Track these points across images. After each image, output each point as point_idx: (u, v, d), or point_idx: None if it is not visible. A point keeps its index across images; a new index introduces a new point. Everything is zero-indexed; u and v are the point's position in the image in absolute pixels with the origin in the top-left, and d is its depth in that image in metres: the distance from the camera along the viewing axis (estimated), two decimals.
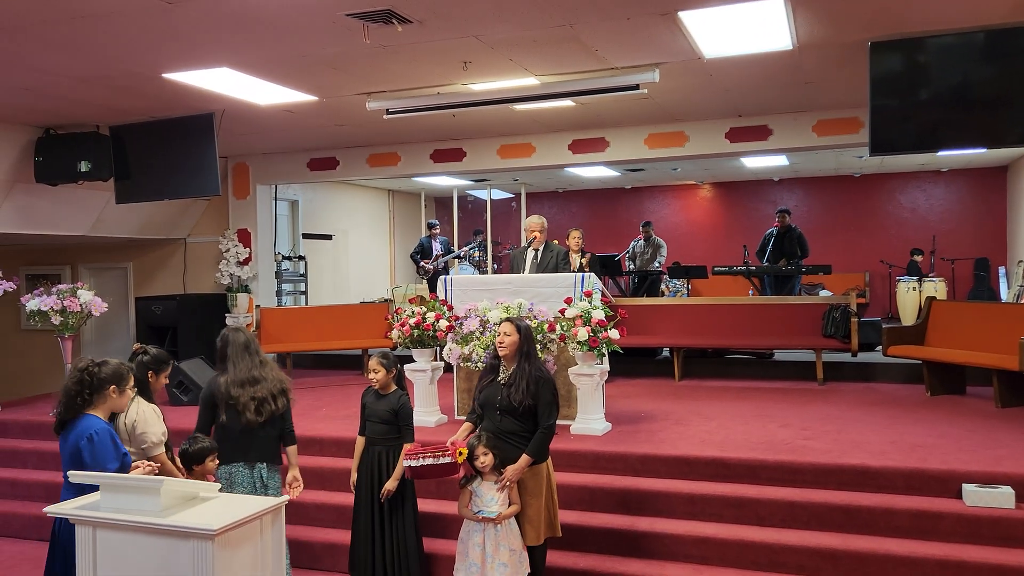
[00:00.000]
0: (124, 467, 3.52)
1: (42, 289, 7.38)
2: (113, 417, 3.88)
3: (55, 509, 3.27)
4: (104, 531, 3.12)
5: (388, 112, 6.86)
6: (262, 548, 3.21)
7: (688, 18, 5.02)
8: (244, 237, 10.30)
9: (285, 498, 3.33)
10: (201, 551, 2.94)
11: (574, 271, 7.83)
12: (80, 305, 7.34)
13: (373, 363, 4.64)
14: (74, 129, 7.84)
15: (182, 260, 10.67)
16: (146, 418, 4.05)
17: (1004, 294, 11.73)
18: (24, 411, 7.83)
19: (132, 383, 3.81)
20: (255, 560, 3.17)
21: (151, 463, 3.70)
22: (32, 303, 7.27)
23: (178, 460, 4.13)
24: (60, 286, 7.45)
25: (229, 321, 10.14)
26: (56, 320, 7.26)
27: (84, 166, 7.76)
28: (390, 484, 4.54)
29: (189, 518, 3.01)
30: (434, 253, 11.80)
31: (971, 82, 5.53)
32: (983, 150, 9.40)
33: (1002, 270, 12.30)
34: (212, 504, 3.20)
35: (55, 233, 9.03)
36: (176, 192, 8.08)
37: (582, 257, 8.26)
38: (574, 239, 8.37)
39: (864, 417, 6.35)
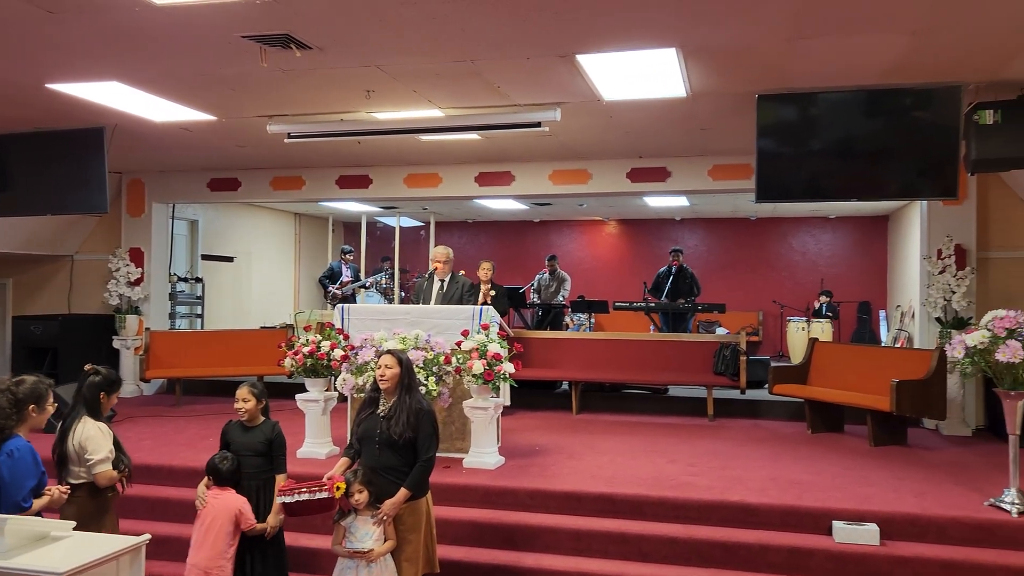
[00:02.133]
0: (40, 485, 3.52)
1: None
2: (64, 438, 3.96)
3: None
4: None
5: (289, 136, 6.76)
6: None
7: (586, 61, 5.15)
8: (136, 256, 9.90)
9: (146, 537, 3.17)
10: None
11: (484, 303, 7.84)
12: None
13: (243, 392, 4.45)
14: None
15: (68, 278, 10.17)
16: (91, 436, 3.99)
17: (884, 337, 12.37)
18: None
19: (51, 400, 3.76)
20: None
21: (61, 488, 3.70)
22: None
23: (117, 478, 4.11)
24: None
25: (117, 344, 9.71)
26: None
27: None
28: (272, 520, 4.38)
29: (35, 560, 2.83)
30: (344, 279, 11.63)
31: (853, 137, 5.86)
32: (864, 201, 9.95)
33: (883, 314, 12.98)
34: (64, 544, 3.02)
35: None
36: (61, 208, 7.70)
37: (491, 289, 8.29)
38: (484, 271, 8.40)
39: (749, 453, 6.54)
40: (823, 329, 11.26)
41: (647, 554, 4.90)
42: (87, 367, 4.30)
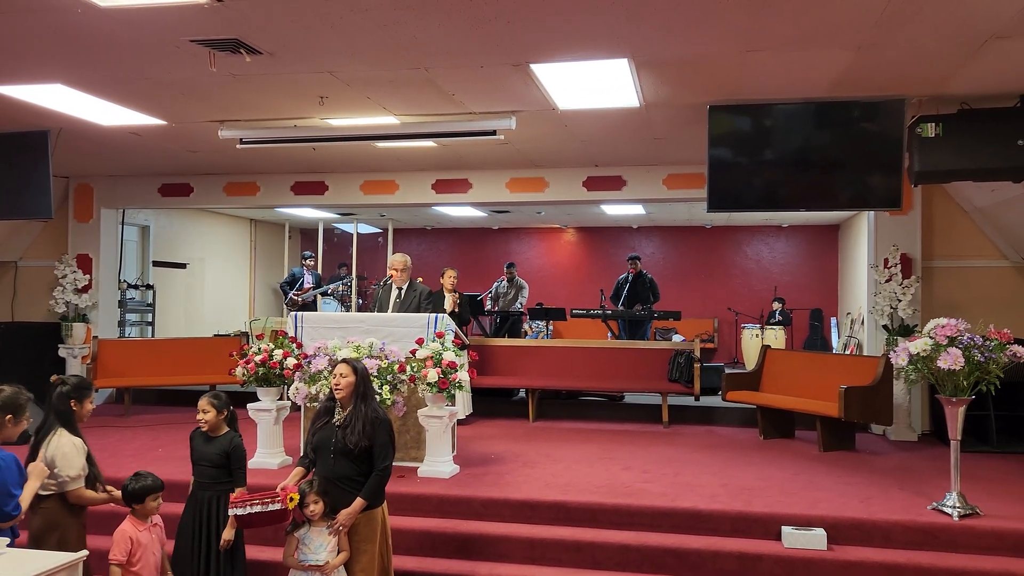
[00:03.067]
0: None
1: None
2: (36, 449, 3.93)
3: None
4: None
5: (241, 142, 6.66)
6: None
7: (540, 70, 5.17)
8: (84, 263, 9.67)
9: (83, 553, 3.09)
10: None
11: (448, 310, 7.82)
12: None
13: (203, 403, 4.43)
14: None
15: (11, 285, 9.88)
16: (64, 453, 3.94)
17: (835, 344, 12.60)
18: None
19: (28, 412, 3.76)
20: None
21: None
22: None
23: (112, 493, 4.15)
24: None
25: (63, 352, 9.47)
26: None
27: None
28: (227, 534, 4.30)
29: None
30: (305, 285, 11.50)
31: (804, 147, 5.95)
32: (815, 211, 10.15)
33: (834, 321, 13.23)
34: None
35: None
36: (3, 212, 7.48)
37: (457, 297, 8.28)
38: (449, 278, 8.39)
39: (701, 459, 6.61)
40: (776, 336, 11.43)
41: (600, 562, 4.92)
42: (53, 378, 4.22)
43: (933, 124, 5.48)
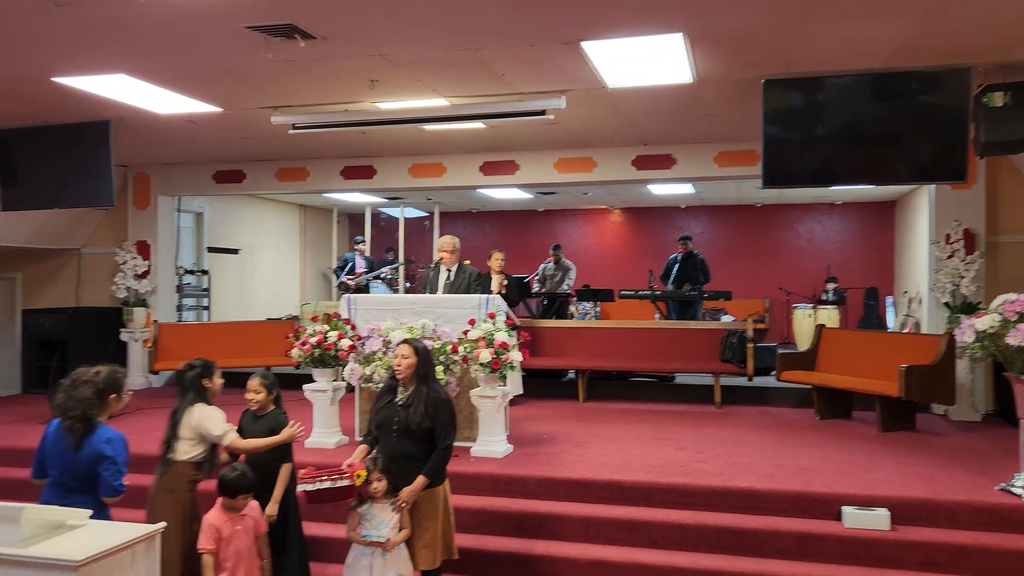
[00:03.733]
0: None
1: None
2: (176, 424, 4.22)
3: None
4: None
5: (294, 127, 6.74)
6: None
7: (591, 48, 5.13)
8: (143, 249, 9.92)
9: (161, 525, 3.19)
10: None
11: (495, 293, 7.86)
12: None
13: (253, 383, 4.52)
14: None
15: (76, 271, 10.19)
16: (208, 416, 4.27)
17: (891, 323, 12.33)
18: None
19: (127, 388, 3.98)
20: None
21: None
22: None
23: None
24: None
25: (125, 336, 9.74)
26: None
27: None
28: (271, 509, 4.39)
29: (51, 548, 2.85)
30: (356, 269, 11.64)
31: (861, 121, 5.82)
32: (873, 186, 9.92)
33: (889, 300, 12.94)
34: (80, 532, 3.04)
35: None
36: (68, 201, 7.71)
37: (504, 279, 8.32)
38: (496, 260, 8.42)
39: (756, 440, 6.54)
40: (830, 316, 11.22)
41: (656, 540, 4.92)
42: (182, 365, 4.51)
43: (1001, 93, 5.31)
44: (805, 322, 11.26)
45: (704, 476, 5.36)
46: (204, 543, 3.98)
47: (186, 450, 4.24)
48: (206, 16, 4.53)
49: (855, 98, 5.78)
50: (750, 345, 8.01)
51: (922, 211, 9.04)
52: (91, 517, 3.54)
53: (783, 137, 5.90)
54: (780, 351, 8.18)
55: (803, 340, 11.14)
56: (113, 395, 3.79)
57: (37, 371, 9.63)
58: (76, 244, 10.12)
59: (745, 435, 6.77)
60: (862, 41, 5.07)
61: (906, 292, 11.18)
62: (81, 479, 3.64)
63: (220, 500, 4.10)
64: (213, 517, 4.07)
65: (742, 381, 8.38)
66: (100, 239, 10.12)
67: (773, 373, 8.09)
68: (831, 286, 12.61)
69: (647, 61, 5.42)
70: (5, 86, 6.02)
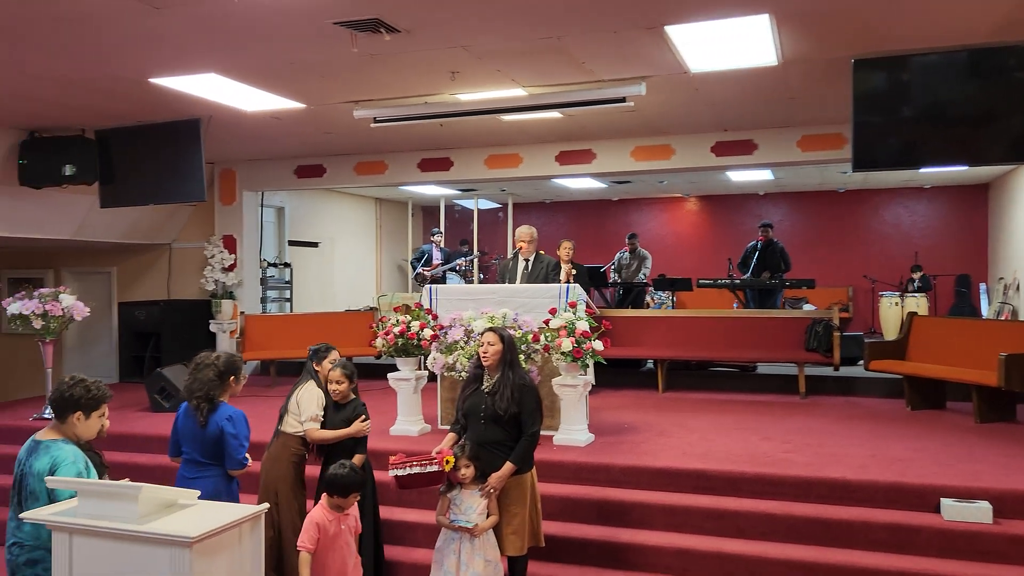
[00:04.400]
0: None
1: (24, 293, 7.33)
2: (289, 396, 4.71)
3: (31, 515, 3.24)
4: (80, 537, 3.09)
5: (375, 121, 6.86)
6: (240, 556, 3.18)
7: (674, 32, 5.06)
8: (229, 243, 10.26)
9: (264, 506, 3.31)
10: (179, 559, 2.92)
11: (564, 282, 7.85)
12: (62, 309, 7.29)
13: (335, 375, 4.65)
14: (59, 132, 7.80)
15: (167, 265, 10.61)
16: (308, 397, 4.66)
17: (985, 310, 11.84)
18: (4, 416, 7.75)
19: (244, 372, 4.34)
20: (233, 568, 3.14)
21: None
22: (13, 307, 7.21)
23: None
24: (42, 290, 7.40)
25: (213, 327, 10.10)
26: (37, 324, 7.21)
27: (69, 169, 7.72)
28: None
29: (166, 525, 2.99)
30: (433, 261, 11.79)
31: (954, 100, 5.60)
32: (965, 167, 9.52)
33: (983, 287, 12.42)
34: (191, 511, 3.18)
35: (38, 236, 8.98)
36: (161, 197, 8.04)
37: (572, 268, 8.28)
38: (566, 250, 8.39)
39: (844, 431, 6.38)
40: (918, 304, 10.83)
41: (744, 530, 4.86)
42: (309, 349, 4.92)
43: None
44: (891, 310, 10.89)
45: (792, 466, 5.26)
46: (306, 542, 3.98)
47: (292, 424, 4.62)
48: (295, 13, 4.64)
49: (949, 76, 5.56)
50: (836, 334, 7.81)
51: (1020, 192, 8.63)
52: (220, 488, 3.90)
53: (874, 119, 5.72)
54: (868, 340, 7.95)
55: (889, 329, 10.79)
56: (232, 377, 4.13)
57: (132, 361, 10.09)
58: (167, 239, 10.53)
59: (833, 425, 6.61)
60: (961, 16, 4.87)
61: (1002, 279, 10.72)
62: (209, 454, 3.99)
63: (326, 498, 4.10)
64: (318, 516, 4.05)
65: (827, 371, 8.17)
66: (189, 234, 10.50)
67: (860, 363, 7.87)
68: (916, 274, 12.19)
69: (731, 44, 5.32)
70: (105, 87, 6.29)
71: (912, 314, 7.78)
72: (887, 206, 13.84)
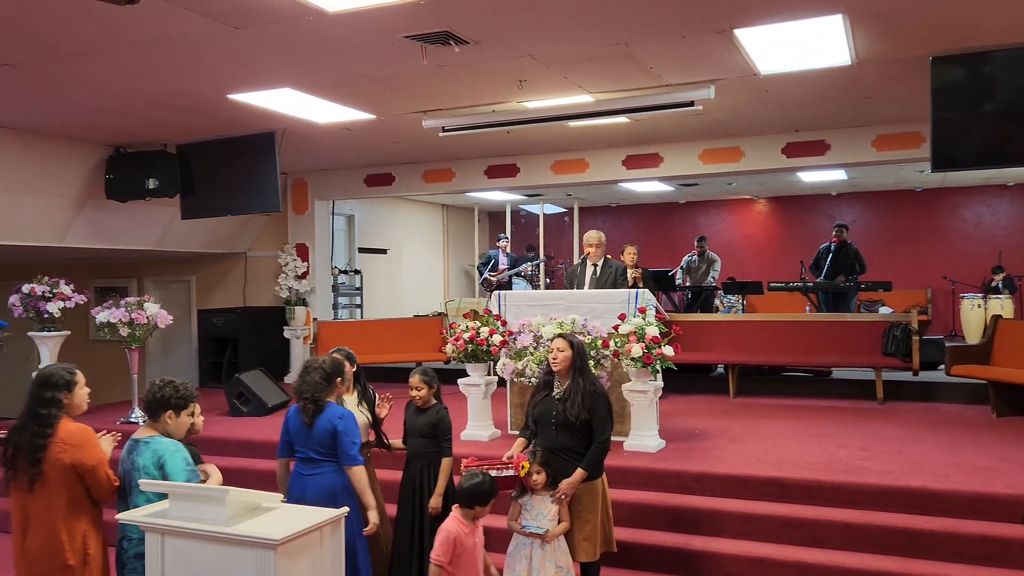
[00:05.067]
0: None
1: (111, 302, 7.66)
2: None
3: (126, 516, 3.40)
4: (172, 538, 3.23)
5: (444, 130, 6.97)
6: (322, 559, 3.28)
7: (744, 35, 5.01)
8: (302, 251, 10.53)
9: (344, 510, 3.40)
10: (264, 560, 3.03)
11: (632, 287, 7.82)
12: (147, 318, 7.60)
13: (415, 381, 4.64)
14: (143, 148, 8.15)
15: (242, 274, 10.95)
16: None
17: None
18: (92, 419, 8.08)
19: (350, 372, 4.59)
20: (315, 570, 3.24)
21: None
22: (102, 315, 7.55)
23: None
24: (128, 299, 7.72)
25: (287, 334, 10.37)
26: (124, 332, 7.53)
27: (152, 183, 8.06)
28: (435, 501, 4.54)
29: (252, 527, 3.10)
30: (500, 266, 11.89)
31: None
32: None
33: None
34: (275, 514, 3.29)
35: (124, 248, 9.38)
36: (238, 208, 8.31)
37: (635, 272, 8.25)
38: (629, 255, 8.37)
39: (926, 438, 6.20)
40: (1003, 306, 10.43)
41: (822, 539, 4.76)
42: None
43: None
44: (974, 313, 10.52)
45: (871, 474, 5.14)
46: (441, 555, 3.91)
47: None
48: (368, 29, 4.77)
49: None
50: (915, 338, 7.58)
51: None
52: (335, 483, 4.09)
53: (953, 117, 5.55)
54: (949, 344, 7.70)
55: (971, 332, 10.41)
56: (338, 379, 4.29)
57: (211, 367, 10.43)
58: (242, 248, 10.87)
59: (913, 432, 6.42)
60: None
61: None
62: (320, 451, 4.14)
63: (462, 511, 4.03)
64: (455, 529, 3.98)
65: (906, 376, 7.93)
66: (263, 243, 10.83)
67: (941, 367, 7.63)
68: (999, 275, 11.72)
69: (803, 45, 5.24)
70: (187, 104, 6.56)
71: (997, 317, 7.50)
72: (968, 205, 13.35)
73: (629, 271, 8.22)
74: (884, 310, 11.76)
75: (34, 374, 3.81)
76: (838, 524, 4.77)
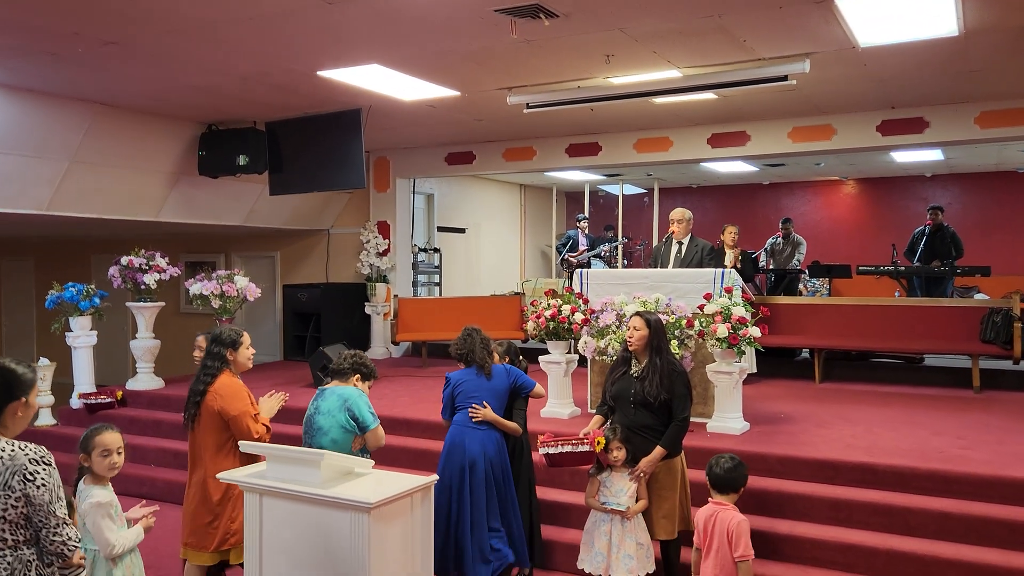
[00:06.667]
0: None
1: (203, 275, 7.95)
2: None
3: (226, 476, 3.53)
4: (270, 499, 3.34)
5: (528, 106, 6.94)
6: (412, 524, 3.34)
7: (845, 5, 4.82)
8: (384, 229, 10.69)
9: (434, 477, 3.46)
10: (358, 522, 3.10)
11: (729, 268, 7.68)
12: (237, 290, 7.85)
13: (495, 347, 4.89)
14: (234, 125, 8.39)
15: (325, 250, 11.19)
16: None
17: None
18: (184, 387, 8.39)
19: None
20: (406, 535, 3.31)
21: None
22: (195, 287, 7.85)
23: None
24: (219, 272, 8.00)
25: (368, 310, 10.55)
26: (216, 304, 7.80)
27: (242, 160, 8.28)
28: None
29: (347, 491, 3.18)
30: (579, 247, 11.84)
31: None
32: None
33: None
34: (367, 479, 3.37)
35: (214, 223, 9.70)
36: (324, 184, 8.48)
37: (736, 252, 8.12)
38: (730, 235, 8.23)
39: None
40: None
41: (914, 528, 4.61)
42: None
43: None
44: None
45: (969, 463, 4.93)
46: (751, 553, 3.97)
47: None
48: (459, 2, 4.76)
49: None
50: (1017, 324, 7.23)
51: None
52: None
53: None
54: None
55: None
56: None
57: (295, 340, 10.72)
58: (325, 225, 11.10)
59: (1014, 422, 6.13)
60: None
61: None
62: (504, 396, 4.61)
63: (731, 497, 4.09)
64: (745, 519, 4.03)
65: (1005, 364, 7.59)
66: (346, 220, 11.03)
67: None
68: None
69: (908, 14, 5.01)
70: (279, 81, 6.71)
71: None
72: None
73: (729, 252, 8.08)
74: (980, 296, 11.24)
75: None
76: (933, 513, 4.61)
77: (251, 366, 4.26)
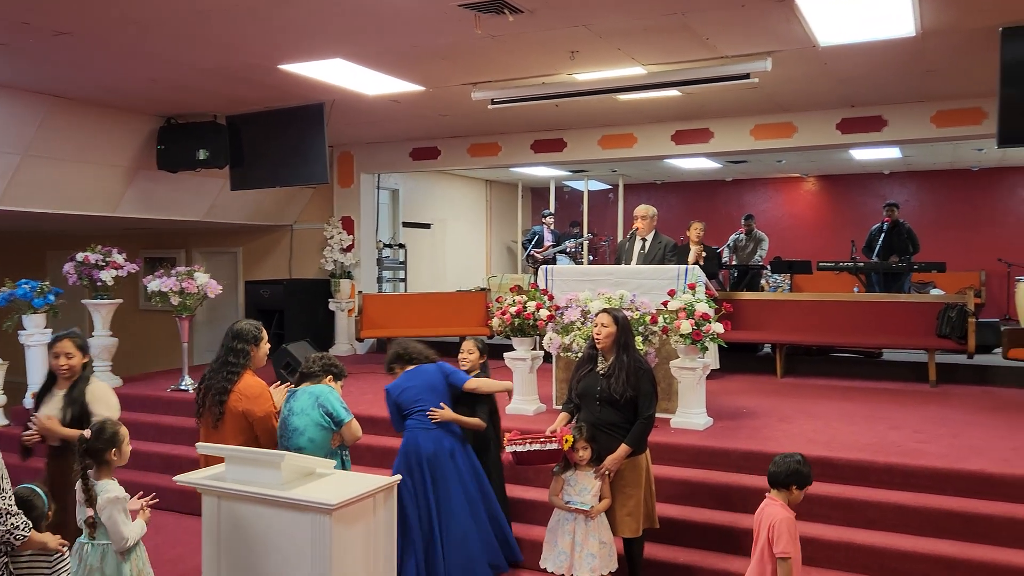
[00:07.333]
0: None
1: (162, 271, 7.79)
2: None
3: (184, 478, 3.46)
4: (228, 501, 3.28)
5: (493, 102, 6.91)
6: (375, 526, 3.31)
7: (805, 4, 4.86)
8: (348, 224, 10.59)
9: (397, 477, 3.42)
10: (319, 524, 3.06)
11: (693, 264, 7.72)
12: (197, 287, 7.71)
13: (469, 345, 4.80)
14: (194, 119, 8.22)
15: (288, 246, 11.05)
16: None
17: None
18: (143, 386, 8.28)
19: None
20: (368, 536, 3.27)
21: None
22: (153, 284, 7.69)
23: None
24: (179, 269, 7.85)
25: (332, 306, 10.45)
26: (175, 301, 7.65)
27: (202, 154, 8.13)
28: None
29: (308, 492, 3.14)
30: (545, 243, 11.84)
31: None
32: None
33: None
34: (329, 480, 3.33)
35: (173, 218, 9.51)
36: (286, 180, 8.36)
37: (702, 250, 8.17)
38: (695, 231, 8.26)
39: (983, 421, 6.05)
40: None
41: (874, 521, 4.69)
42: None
43: None
44: None
45: (927, 457, 5.03)
46: (792, 550, 3.64)
47: None
48: None
49: None
50: (971, 320, 7.38)
51: None
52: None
53: (1022, 92, 5.34)
54: (1005, 327, 7.49)
55: None
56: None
57: None
58: (289, 220, 10.96)
59: (969, 416, 6.27)
60: None
61: None
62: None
63: (789, 494, 3.77)
64: (791, 518, 3.72)
65: (959, 359, 7.75)
66: (309, 215, 10.90)
67: (996, 351, 7.43)
68: None
69: (866, 14, 5.07)
70: (238, 74, 6.59)
71: None
72: None
73: (694, 248, 8.13)
74: (935, 292, 11.49)
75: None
76: (891, 506, 4.69)
77: (265, 363, 4.25)
